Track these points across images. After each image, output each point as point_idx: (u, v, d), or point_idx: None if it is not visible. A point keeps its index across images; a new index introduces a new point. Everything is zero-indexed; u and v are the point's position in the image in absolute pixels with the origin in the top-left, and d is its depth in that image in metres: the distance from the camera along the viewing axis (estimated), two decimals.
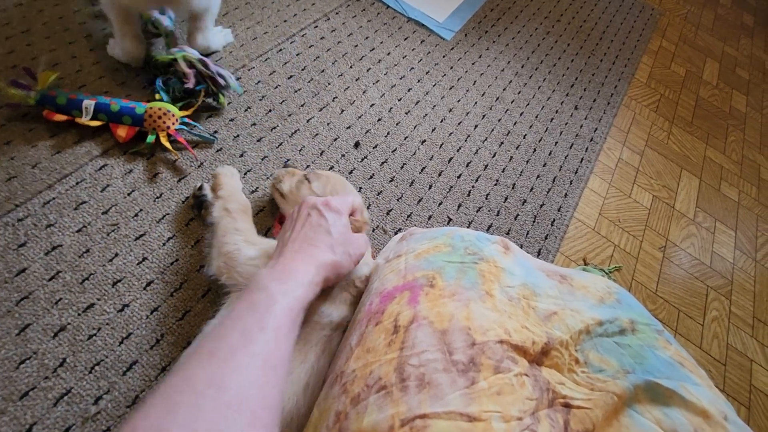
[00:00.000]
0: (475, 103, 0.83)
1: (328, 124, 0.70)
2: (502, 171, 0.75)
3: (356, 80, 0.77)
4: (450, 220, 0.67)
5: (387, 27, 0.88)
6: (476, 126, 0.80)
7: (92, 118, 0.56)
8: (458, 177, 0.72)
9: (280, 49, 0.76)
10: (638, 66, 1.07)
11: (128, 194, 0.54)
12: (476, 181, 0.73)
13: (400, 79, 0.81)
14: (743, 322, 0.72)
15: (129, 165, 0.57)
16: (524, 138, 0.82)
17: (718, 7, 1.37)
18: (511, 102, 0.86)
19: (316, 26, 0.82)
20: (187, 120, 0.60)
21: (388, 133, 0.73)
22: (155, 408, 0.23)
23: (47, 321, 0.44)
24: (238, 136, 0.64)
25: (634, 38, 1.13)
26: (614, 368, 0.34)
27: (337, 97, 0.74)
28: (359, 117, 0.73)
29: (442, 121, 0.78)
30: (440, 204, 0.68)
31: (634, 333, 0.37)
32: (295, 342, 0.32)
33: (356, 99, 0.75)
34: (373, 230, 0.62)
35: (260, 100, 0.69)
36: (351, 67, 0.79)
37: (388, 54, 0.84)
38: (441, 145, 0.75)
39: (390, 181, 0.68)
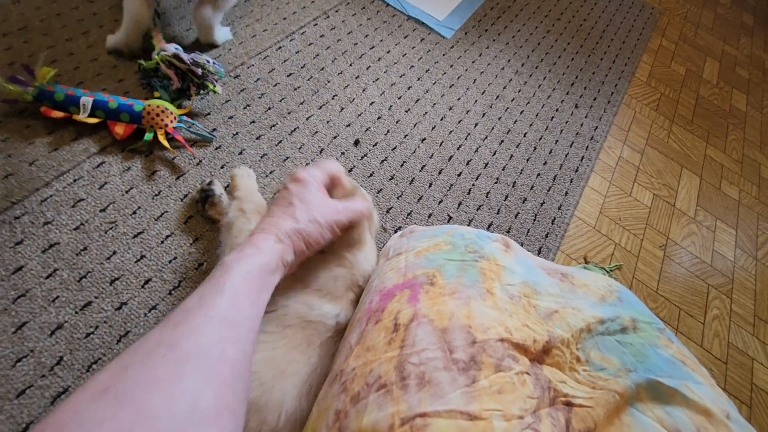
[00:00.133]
0: (476, 101, 0.83)
1: (327, 122, 0.70)
2: (503, 169, 0.75)
3: (356, 78, 0.77)
4: (450, 218, 0.67)
5: (387, 25, 0.88)
6: (476, 124, 0.80)
7: (90, 115, 0.55)
8: (458, 175, 0.72)
9: (280, 47, 0.76)
10: (638, 65, 1.07)
11: (126, 192, 0.54)
12: (476, 179, 0.72)
13: (400, 77, 0.81)
14: (744, 321, 0.72)
15: (127, 162, 0.56)
16: (525, 136, 0.81)
17: (717, 7, 1.37)
18: (512, 100, 0.86)
19: (316, 24, 0.82)
20: (185, 118, 0.60)
21: (388, 131, 0.73)
22: (107, 371, 0.23)
23: (44, 319, 0.44)
24: (237, 133, 0.64)
25: (635, 37, 1.13)
26: (616, 367, 0.34)
27: (336, 95, 0.73)
28: (359, 115, 0.73)
29: (442, 119, 0.78)
30: (440, 202, 0.68)
31: (635, 331, 0.37)
32: (264, 305, 0.32)
33: (356, 97, 0.75)
34: None
35: (259, 97, 0.69)
36: (350, 65, 0.79)
37: (388, 52, 0.83)
38: (441, 143, 0.74)
39: (390, 179, 0.67)
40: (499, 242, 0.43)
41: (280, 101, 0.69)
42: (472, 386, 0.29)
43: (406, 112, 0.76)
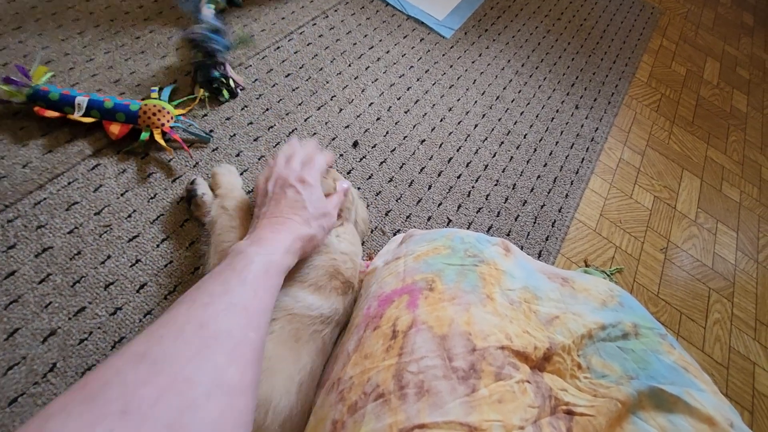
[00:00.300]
0: (475, 102, 0.82)
1: (326, 123, 0.69)
2: (503, 171, 0.75)
3: (355, 79, 0.76)
4: (450, 221, 0.66)
5: (386, 25, 0.87)
6: (476, 125, 0.79)
7: (85, 115, 0.54)
8: (458, 177, 0.71)
9: (278, 47, 0.75)
10: (639, 65, 1.06)
11: (121, 195, 0.53)
12: (476, 181, 0.72)
13: (399, 77, 0.80)
14: (745, 325, 0.71)
15: (122, 165, 0.56)
16: (525, 138, 0.81)
17: (718, 6, 1.37)
18: (512, 101, 0.85)
19: (314, 24, 0.81)
20: (182, 118, 0.59)
21: (387, 133, 0.72)
22: (143, 339, 0.25)
23: (37, 325, 0.43)
24: (234, 135, 0.63)
25: (635, 37, 1.12)
26: (617, 374, 0.34)
27: (335, 96, 0.73)
28: (358, 116, 0.72)
29: (441, 120, 0.77)
30: (440, 205, 0.67)
31: (637, 337, 0.36)
32: (274, 301, 0.33)
33: (355, 98, 0.74)
34: (372, 231, 0.61)
35: (257, 98, 0.68)
36: (349, 65, 0.78)
37: (387, 52, 0.83)
38: (440, 144, 0.74)
39: (389, 182, 0.67)
40: (499, 246, 0.43)
41: (278, 102, 0.69)
42: (472, 396, 0.28)
43: (406, 113, 0.76)
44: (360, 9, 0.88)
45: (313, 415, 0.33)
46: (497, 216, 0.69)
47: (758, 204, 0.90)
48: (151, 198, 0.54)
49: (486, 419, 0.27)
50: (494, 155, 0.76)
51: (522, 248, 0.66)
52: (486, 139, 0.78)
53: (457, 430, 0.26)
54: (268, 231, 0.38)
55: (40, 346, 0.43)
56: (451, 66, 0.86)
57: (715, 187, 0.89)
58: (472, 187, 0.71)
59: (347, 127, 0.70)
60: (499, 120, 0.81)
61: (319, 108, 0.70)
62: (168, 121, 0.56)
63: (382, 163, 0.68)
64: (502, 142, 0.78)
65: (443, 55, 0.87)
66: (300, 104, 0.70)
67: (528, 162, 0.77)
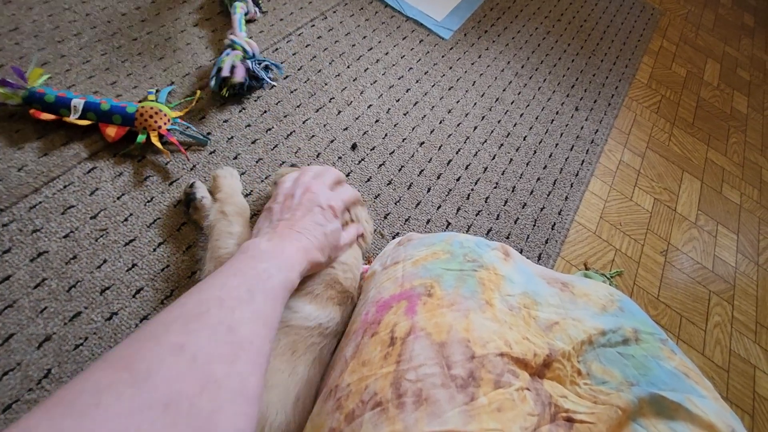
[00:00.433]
0: (475, 104, 0.82)
1: (324, 125, 0.69)
2: (502, 173, 0.74)
3: (354, 80, 0.76)
4: (449, 224, 0.66)
5: (385, 26, 0.87)
6: (475, 127, 0.79)
7: (81, 117, 0.54)
8: (457, 180, 0.71)
9: (276, 49, 0.75)
10: (639, 66, 1.06)
11: (118, 198, 0.53)
12: (475, 184, 0.71)
13: (399, 79, 0.80)
14: (746, 328, 0.71)
15: (119, 168, 0.55)
16: (524, 140, 0.80)
17: (718, 7, 1.37)
18: (511, 103, 0.85)
19: (313, 25, 0.81)
20: (179, 120, 0.59)
21: (386, 135, 0.71)
22: (177, 327, 0.25)
23: (32, 330, 0.43)
24: (232, 137, 0.63)
25: (635, 38, 1.12)
26: (618, 380, 0.33)
27: (334, 98, 0.72)
28: (356, 118, 0.72)
29: (440, 122, 0.77)
30: (439, 207, 0.67)
31: (637, 343, 0.36)
32: (279, 319, 0.34)
33: (353, 100, 0.74)
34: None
35: (255, 100, 0.68)
36: (348, 67, 0.77)
37: (386, 54, 0.82)
38: (440, 147, 0.73)
39: (388, 184, 0.66)
40: (499, 250, 0.42)
41: (276, 104, 0.68)
42: (471, 404, 0.28)
43: (405, 115, 0.75)
44: (359, 10, 0.87)
45: (309, 422, 0.33)
46: (497, 219, 0.68)
47: (759, 206, 0.90)
48: (148, 201, 0.54)
49: (485, 428, 0.26)
50: (493, 157, 0.76)
51: (521, 251, 0.66)
52: (485, 141, 0.77)
53: None
54: (288, 243, 0.38)
55: (35, 351, 0.42)
56: (450, 68, 0.86)
57: (715, 189, 0.89)
58: (472, 189, 0.70)
59: (346, 129, 0.70)
60: (499, 122, 0.81)
61: (317, 110, 0.70)
62: (165, 124, 0.56)
63: (380, 165, 0.68)
64: (502, 145, 0.78)
65: (442, 56, 0.87)
66: (298, 106, 0.69)
67: (527, 164, 0.77)
